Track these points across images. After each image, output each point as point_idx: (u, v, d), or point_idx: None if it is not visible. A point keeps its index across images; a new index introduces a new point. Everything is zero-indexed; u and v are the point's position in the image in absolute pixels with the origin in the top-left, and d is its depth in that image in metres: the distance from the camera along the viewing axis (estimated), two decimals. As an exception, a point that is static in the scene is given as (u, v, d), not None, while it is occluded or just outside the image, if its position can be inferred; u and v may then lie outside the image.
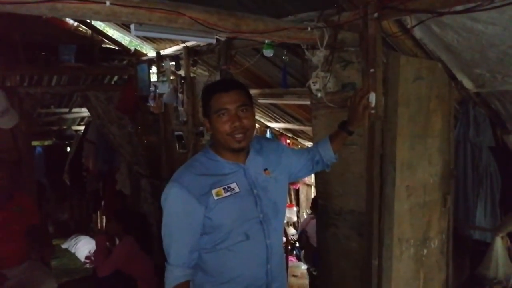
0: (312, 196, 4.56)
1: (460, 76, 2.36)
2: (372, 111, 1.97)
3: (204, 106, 1.49)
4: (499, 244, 2.46)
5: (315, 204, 3.72)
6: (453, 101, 2.48)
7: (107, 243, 3.23)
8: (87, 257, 5.05)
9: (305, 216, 4.19)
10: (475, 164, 2.62)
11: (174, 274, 1.43)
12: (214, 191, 1.42)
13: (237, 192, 1.45)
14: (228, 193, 1.43)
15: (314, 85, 2.12)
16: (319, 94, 2.14)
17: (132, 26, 1.61)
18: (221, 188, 1.43)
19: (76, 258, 5.32)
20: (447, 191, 2.40)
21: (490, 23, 1.79)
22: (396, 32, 2.07)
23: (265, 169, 1.55)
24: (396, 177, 2.03)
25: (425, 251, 2.26)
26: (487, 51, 2.01)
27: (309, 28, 1.98)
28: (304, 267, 4.09)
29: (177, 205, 1.42)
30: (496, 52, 1.99)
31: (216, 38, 2.06)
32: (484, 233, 2.62)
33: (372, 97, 1.93)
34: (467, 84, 2.40)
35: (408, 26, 2.01)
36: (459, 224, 2.63)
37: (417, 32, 2.08)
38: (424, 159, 2.22)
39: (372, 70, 1.95)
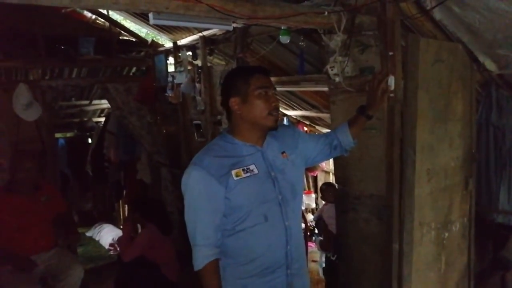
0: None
1: (482, 58, 2.31)
2: (391, 95, 1.95)
3: (238, 84, 1.50)
4: (523, 228, 2.43)
5: (321, 191, 3.74)
6: (475, 84, 2.43)
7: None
8: (110, 245, 5.23)
9: (323, 203, 4.21)
10: (498, 147, 2.58)
11: (203, 253, 1.45)
12: (233, 172, 1.45)
13: (256, 174, 1.48)
14: (248, 174, 1.46)
15: (332, 70, 2.12)
16: (337, 79, 2.13)
17: (151, 15, 1.63)
18: (240, 169, 1.46)
19: (100, 246, 5.47)
20: (468, 175, 2.37)
21: (514, 1, 1.74)
22: (415, 14, 2.03)
23: (283, 152, 1.58)
24: (416, 160, 2.01)
25: (447, 234, 2.25)
26: (511, 30, 1.96)
27: (326, 13, 1.96)
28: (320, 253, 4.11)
29: (199, 187, 1.45)
30: (521, 32, 1.94)
31: (233, 27, 2.07)
32: (507, 216, 2.58)
33: (391, 80, 1.91)
34: (490, 65, 2.34)
35: (428, 8, 1.97)
36: (482, 207, 2.60)
37: (437, 14, 2.04)
38: (445, 143, 2.19)
39: (390, 53, 1.94)
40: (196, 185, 1.45)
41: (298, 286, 1.58)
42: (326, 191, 3.57)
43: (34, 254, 2.83)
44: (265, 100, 1.47)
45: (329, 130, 2.09)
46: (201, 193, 1.45)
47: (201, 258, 1.45)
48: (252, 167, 1.48)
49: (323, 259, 3.59)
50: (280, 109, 5.04)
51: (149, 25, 3.97)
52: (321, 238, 3.61)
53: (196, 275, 1.48)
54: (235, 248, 1.50)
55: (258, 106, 1.47)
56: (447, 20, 2.09)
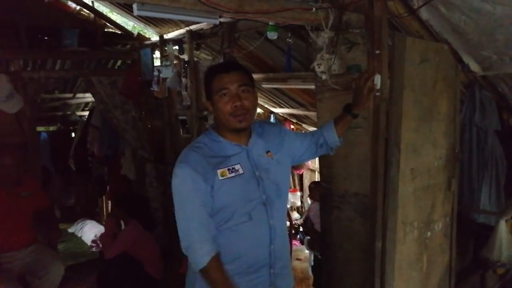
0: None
1: (466, 59, 2.33)
2: (377, 94, 1.95)
3: (206, 88, 1.51)
4: (503, 228, 2.46)
5: (310, 190, 3.76)
6: (459, 84, 2.45)
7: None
8: (93, 241, 5.15)
9: (309, 202, 4.22)
10: (480, 148, 2.61)
11: (204, 251, 1.36)
12: (219, 171, 1.42)
13: (241, 174, 1.45)
14: (233, 174, 1.44)
15: (319, 67, 2.10)
16: (323, 77, 2.12)
17: (135, 6, 1.60)
18: (226, 168, 1.44)
19: (82, 242, 5.39)
20: (451, 175, 2.39)
21: (499, 3, 1.75)
22: (402, 13, 2.04)
23: (267, 152, 1.56)
24: (400, 160, 2.02)
25: (429, 234, 2.27)
26: (495, 32, 1.98)
27: (314, 9, 1.96)
28: (307, 251, 4.14)
29: (187, 184, 1.41)
30: (505, 34, 1.96)
31: (220, 21, 2.04)
32: (488, 216, 2.62)
33: (377, 79, 1.91)
34: (474, 66, 2.37)
35: (415, 7, 1.98)
36: (464, 207, 2.64)
37: (424, 13, 2.05)
38: (429, 142, 2.21)
39: (377, 51, 1.93)
40: (184, 182, 1.41)
41: (281, 286, 1.56)
42: (314, 189, 3.58)
43: (13, 250, 2.76)
44: (225, 102, 1.43)
45: (315, 128, 2.09)
46: (189, 190, 1.40)
47: (203, 256, 1.37)
48: (237, 167, 1.46)
49: (312, 257, 3.61)
50: (267, 106, 5.07)
51: (136, 17, 3.90)
52: (309, 237, 3.63)
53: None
54: (218, 246, 1.46)
55: (220, 109, 1.44)
56: (434, 20, 2.10)
